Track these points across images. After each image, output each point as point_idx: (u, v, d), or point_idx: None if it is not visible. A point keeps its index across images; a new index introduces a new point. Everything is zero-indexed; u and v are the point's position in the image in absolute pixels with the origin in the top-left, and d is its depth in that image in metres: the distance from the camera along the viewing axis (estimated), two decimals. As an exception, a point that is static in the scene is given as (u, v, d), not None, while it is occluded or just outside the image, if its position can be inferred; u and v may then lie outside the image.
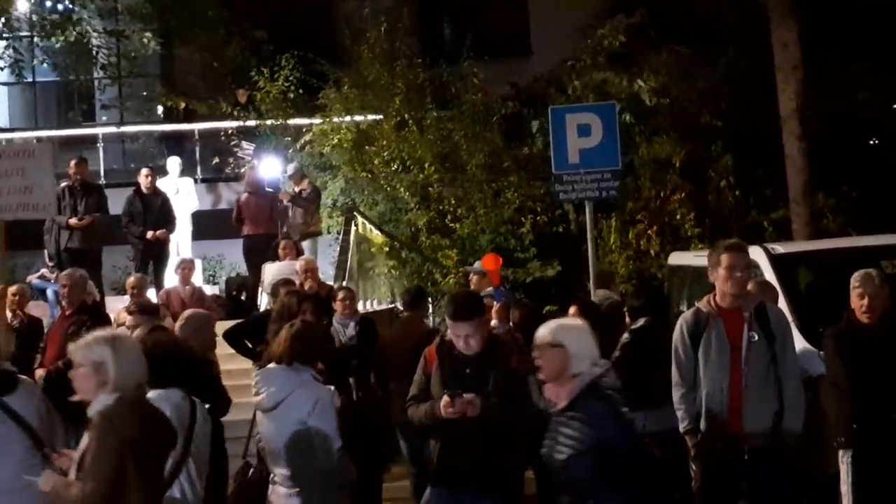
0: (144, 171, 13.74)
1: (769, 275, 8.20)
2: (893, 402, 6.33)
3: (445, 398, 5.41)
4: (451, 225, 16.56)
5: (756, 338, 6.03)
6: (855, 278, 6.70)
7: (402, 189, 16.74)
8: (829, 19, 15.98)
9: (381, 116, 17.19)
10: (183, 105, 19.18)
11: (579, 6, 18.73)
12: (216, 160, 18.48)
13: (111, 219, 13.35)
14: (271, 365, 6.05)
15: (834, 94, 16.42)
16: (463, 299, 5.83)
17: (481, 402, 5.40)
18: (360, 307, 12.17)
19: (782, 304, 7.47)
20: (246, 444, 7.39)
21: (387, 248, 16.07)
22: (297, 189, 14.51)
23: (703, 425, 6.09)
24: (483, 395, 5.43)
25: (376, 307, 14.70)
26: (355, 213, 15.09)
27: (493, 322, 9.09)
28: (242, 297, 14.67)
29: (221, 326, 10.16)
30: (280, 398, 5.84)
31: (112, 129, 20.21)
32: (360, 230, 15.10)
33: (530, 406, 5.56)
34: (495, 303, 10.15)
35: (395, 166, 16.89)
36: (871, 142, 18.22)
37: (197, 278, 14.49)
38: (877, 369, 6.41)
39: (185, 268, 12.29)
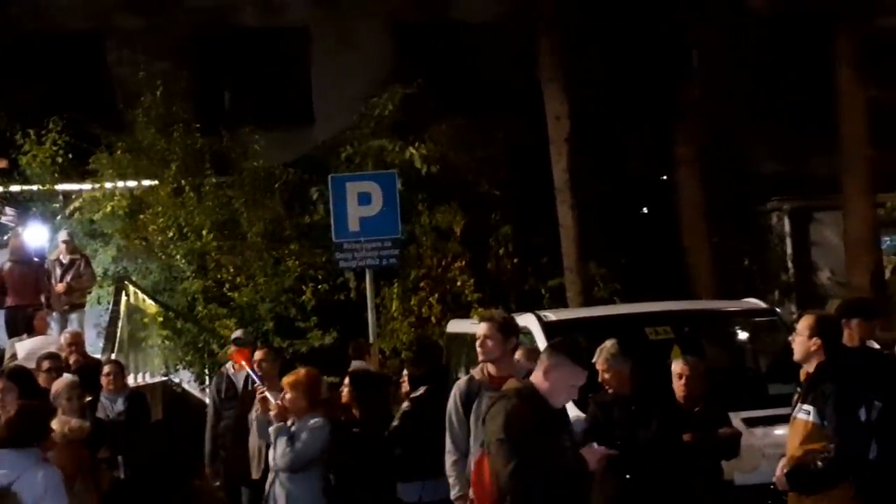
0: None
1: (541, 341, 8.35)
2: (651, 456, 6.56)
3: None
4: (229, 294, 16.16)
5: (523, 405, 6.07)
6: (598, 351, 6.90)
7: (178, 257, 16.25)
8: (599, 92, 16.63)
9: (156, 182, 16.69)
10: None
11: (361, 74, 18.81)
12: (-25, 227, 17.44)
13: None
14: None
15: (605, 165, 17.08)
16: None
17: None
18: (130, 380, 11.79)
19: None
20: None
21: (161, 319, 15.59)
22: (69, 258, 13.98)
23: (471, 493, 6.07)
24: None
25: (149, 380, 14.22)
26: (126, 282, 14.60)
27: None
28: (3, 373, 13.84)
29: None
30: (8, 481, 5.63)
31: None
32: (133, 300, 14.63)
33: None
34: None
35: (172, 234, 16.38)
36: (642, 211, 19.02)
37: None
38: (635, 432, 6.67)
39: None
